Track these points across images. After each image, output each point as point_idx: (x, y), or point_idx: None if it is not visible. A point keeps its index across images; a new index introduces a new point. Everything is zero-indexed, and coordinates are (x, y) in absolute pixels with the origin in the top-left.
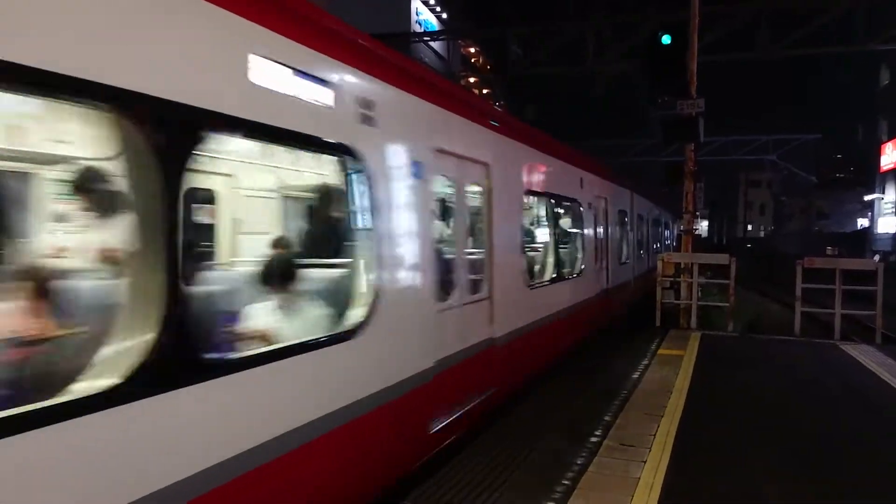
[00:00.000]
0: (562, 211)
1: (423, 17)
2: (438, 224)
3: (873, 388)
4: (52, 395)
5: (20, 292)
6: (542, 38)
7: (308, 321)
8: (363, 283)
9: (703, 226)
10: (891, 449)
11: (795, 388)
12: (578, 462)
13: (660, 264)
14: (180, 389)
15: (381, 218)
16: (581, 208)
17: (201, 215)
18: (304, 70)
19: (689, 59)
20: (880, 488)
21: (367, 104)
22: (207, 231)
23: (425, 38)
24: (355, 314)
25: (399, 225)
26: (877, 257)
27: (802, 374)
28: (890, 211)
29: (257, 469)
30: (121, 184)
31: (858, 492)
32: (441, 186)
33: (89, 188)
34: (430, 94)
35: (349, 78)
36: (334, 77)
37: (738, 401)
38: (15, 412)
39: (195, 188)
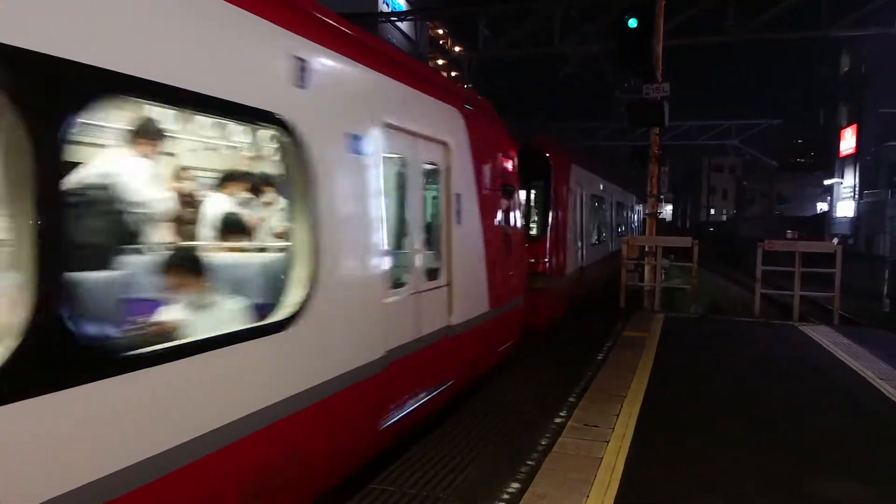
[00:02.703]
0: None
1: None
2: None
3: (830, 366)
4: None
5: None
6: (512, 19)
7: None
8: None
9: (667, 209)
10: (846, 420)
11: (756, 367)
12: (543, 443)
13: (624, 247)
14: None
15: None
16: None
17: None
18: None
19: (655, 42)
20: (839, 456)
21: None
22: None
23: (392, 19)
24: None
25: None
26: (835, 240)
27: (762, 355)
28: (848, 195)
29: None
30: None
31: (819, 462)
32: None
33: None
34: None
35: None
36: None
37: (699, 381)
38: None
39: None
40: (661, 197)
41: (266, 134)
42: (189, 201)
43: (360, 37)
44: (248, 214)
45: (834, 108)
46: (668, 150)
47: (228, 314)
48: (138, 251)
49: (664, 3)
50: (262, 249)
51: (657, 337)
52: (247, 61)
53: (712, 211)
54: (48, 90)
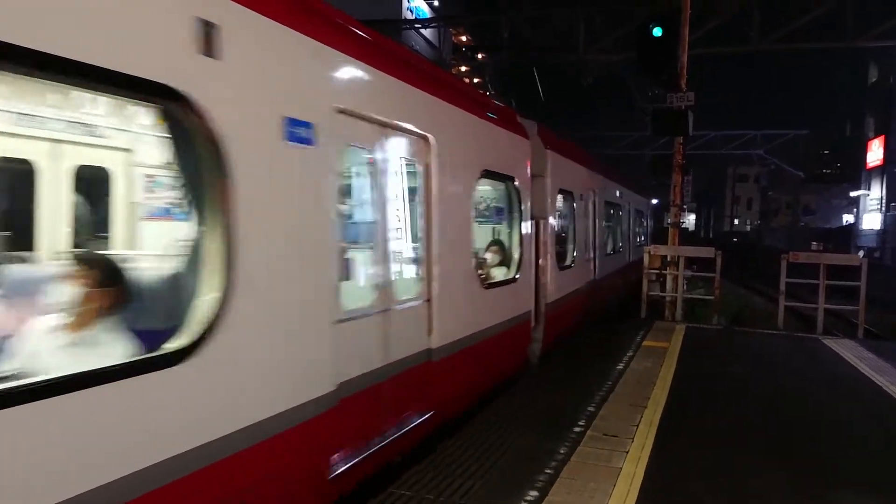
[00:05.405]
0: None
1: (415, 4)
2: None
3: (854, 381)
4: None
5: None
6: (534, 26)
7: None
8: None
9: (690, 219)
10: (870, 435)
11: (778, 380)
12: (561, 452)
13: (646, 257)
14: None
15: None
16: None
17: None
18: None
19: (680, 51)
20: (863, 471)
21: None
22: None
23: (416, 26)
24: None
25: None
26: (861, 253)
27: (785, 368)
28: (875, 207)
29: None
30: None
31: (842, 476)
32: None
33: None
34: None
35: None
36: None
37: (721, 392)
38: None
39: None
40: (684, 207)
41: None
42: None
43: None
44: None
45: (861, 119)
46: (691, 159)
47: None
48: None
49: (689, 13)
50: None
51: (678, 348)
52: None
53: (736, 221)
54: None
